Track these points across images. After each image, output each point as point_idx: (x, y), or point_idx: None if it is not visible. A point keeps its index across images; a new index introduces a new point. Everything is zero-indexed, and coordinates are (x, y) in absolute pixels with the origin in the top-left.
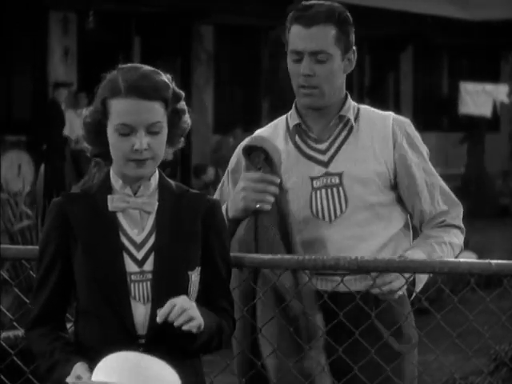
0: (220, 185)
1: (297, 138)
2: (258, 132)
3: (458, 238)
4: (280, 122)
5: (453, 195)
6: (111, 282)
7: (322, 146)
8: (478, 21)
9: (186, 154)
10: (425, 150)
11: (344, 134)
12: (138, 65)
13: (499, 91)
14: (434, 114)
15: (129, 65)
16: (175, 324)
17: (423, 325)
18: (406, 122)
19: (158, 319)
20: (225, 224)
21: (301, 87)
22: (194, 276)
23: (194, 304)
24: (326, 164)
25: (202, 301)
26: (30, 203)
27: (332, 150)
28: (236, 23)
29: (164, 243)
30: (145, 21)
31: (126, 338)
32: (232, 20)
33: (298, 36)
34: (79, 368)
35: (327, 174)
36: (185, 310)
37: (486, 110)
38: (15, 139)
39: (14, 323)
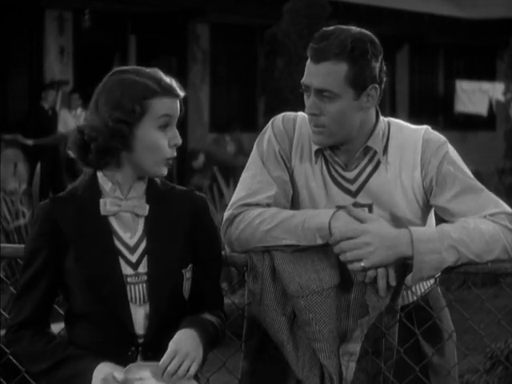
0: (251, 175)
1: (323, 160)
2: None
3: (489, 226)
4: (305, 130)
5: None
6: (109, 285)
7: (350, 175)
8: (474, 19)
9: (182, 152)
10: (457, 166)
11: (372, 165)
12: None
13: (495, 89)
14: (430, 112)
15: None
16: (178, 374)
17: None
18: (437, 143)
19: (160, 364)
20: (214, 221)
21: (310, 123)
22: (188, 273)
23: (191, 339)
24: (354, 194)
25: (192, 300)
26: (26, 202)
27: (360, 181)
28: (232, 22)
29: (156, 245)
30: (141, 20)
31: (125, 340)
32: (228, 19)
33: (307, 70)
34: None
35: (356, 205)
36: (185, 359)
37: (481, 109)
38: (11, 138)
39: None
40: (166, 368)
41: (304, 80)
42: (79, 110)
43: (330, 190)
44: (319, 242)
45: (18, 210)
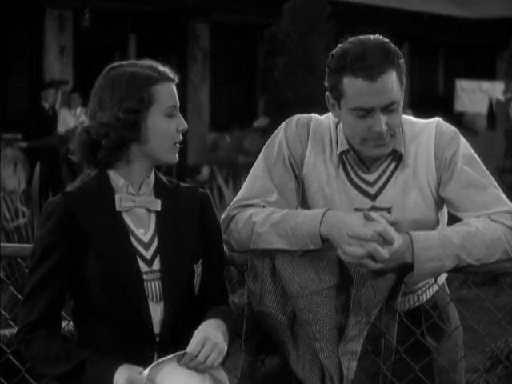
0: (261, 179)
1: (343, 162)
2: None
3: (488, 225)
4: (319, 135)
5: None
6: (130, 283)
7: (371, 178)
8: (474, 19)
9: (182, 151)
10: (468, 158)
11: (392, 166)
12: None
13: (495, 89)
14: (430, 111)
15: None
16: (206, 364)
17: None
18: (449, 134)
19: (190, 352)
20: (217, 216)
21: (370, 140)
22: (199, 269)
23: (219, 330)
24: (373, 197)
25: (199, 294)
26: (26, 201)
27: (380, 183)
28: (232, 21)
29: (169, 241)
30: (141, 19)
31: (143, 338)
32: (228, 18)
33: (362, 92)
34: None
35: (374, 208)
36: (213, 349)
37: (481, 108)
38: (11, 137)
39: (10, 322)
40: (196, 356)
41: (363, 104)
42: (79, 110)
43: (348, 193)
44: (311, 247)
45: (18, 209)
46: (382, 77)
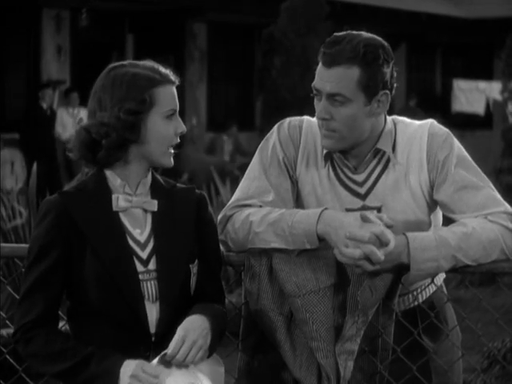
0: (256, 178)
1: (330, 164)
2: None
3: (484, 224)
4: (311, 137)
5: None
6: (126, 283)
7: (359, 178)
8: (471, 18)
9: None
10: (462, 160)
11: (381, 166)
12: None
13: (492, 89)
14: (427, 111)
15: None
16: (187, 362)
17: None
18: (442, 136)
19: (170, 353)
20: (213, 217)
21: (320, 127)
22: (195, 269)
23: (200, 326)
24: (363, 197)
25: (195, 295)
26: (23, 201)
27: (369, 183)
28: (229, 21)
29: (165, 241)
30: (138, 18)
31: (139, 339)
32: (225, 18)
33: (318, 74)
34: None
35: (364, 208)
36: (192, 346)
37: (479, 108)
38: (8, 137)
39: (7, 322)
40: (175, 356)
41: (315, 84)
42: (77, 109)
43: (338, 194)
44: (307, 246)
45: (15, 209)
46: (338, 68)
